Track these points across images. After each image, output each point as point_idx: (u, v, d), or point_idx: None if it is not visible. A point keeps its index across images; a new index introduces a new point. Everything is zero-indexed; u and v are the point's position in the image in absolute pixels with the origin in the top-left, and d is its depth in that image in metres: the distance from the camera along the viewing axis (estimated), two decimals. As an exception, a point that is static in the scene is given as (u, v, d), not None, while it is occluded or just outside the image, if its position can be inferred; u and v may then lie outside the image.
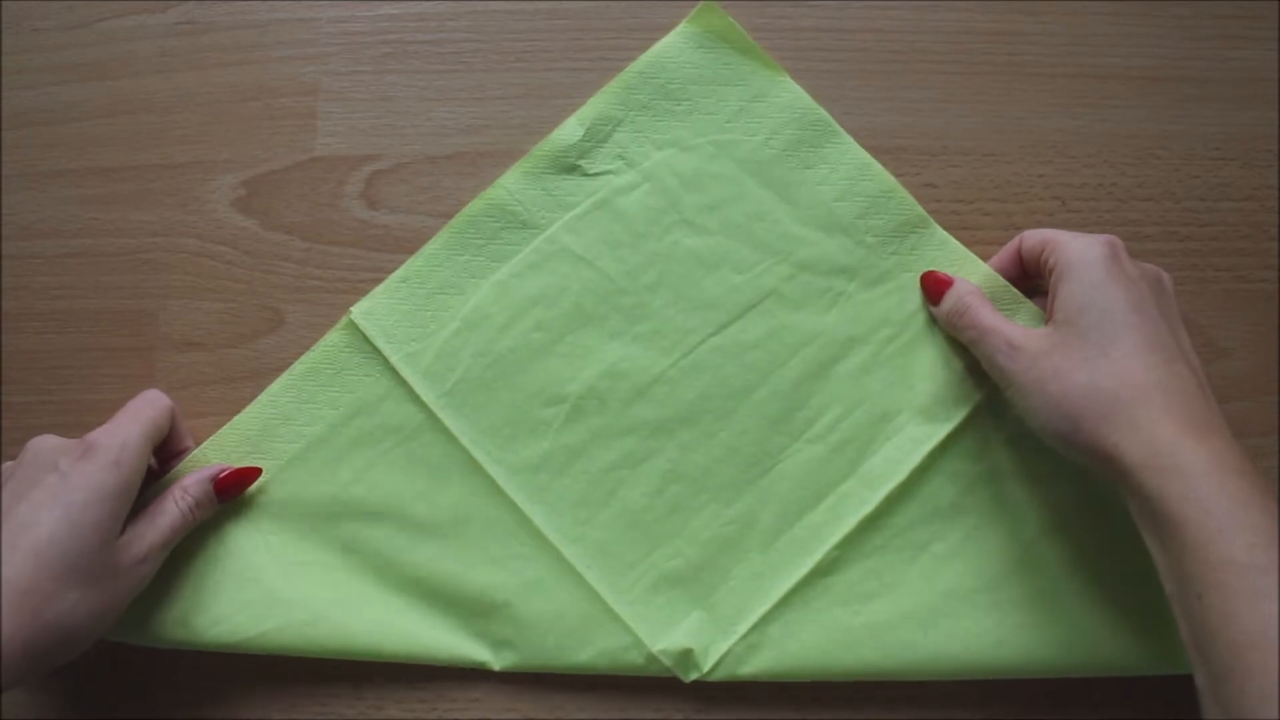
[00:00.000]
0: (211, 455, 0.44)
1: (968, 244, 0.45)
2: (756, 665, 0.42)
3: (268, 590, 0.42)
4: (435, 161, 0.47)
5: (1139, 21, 0.48)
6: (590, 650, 0.42)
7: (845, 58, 0.48)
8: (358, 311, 0.45)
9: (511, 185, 0.46)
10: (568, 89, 0.47)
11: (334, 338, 0.45)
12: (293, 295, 0.46)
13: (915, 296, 0.44)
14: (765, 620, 0.42)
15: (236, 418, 0.44)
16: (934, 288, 0.43)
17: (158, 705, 0.44)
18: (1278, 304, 0.46)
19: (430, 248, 0.45)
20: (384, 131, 0.48)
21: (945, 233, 0.45)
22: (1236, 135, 0.47)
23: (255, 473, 0.43)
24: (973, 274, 0.44)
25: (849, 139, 0.46)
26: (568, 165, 0.46)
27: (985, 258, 0.45)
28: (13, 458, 0.44)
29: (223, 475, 0.42)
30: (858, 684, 0.43)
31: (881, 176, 0.45)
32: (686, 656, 0.42)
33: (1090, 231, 0.46)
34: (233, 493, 0.43)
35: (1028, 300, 0.43)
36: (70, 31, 0.49)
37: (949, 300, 0.42)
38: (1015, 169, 0.47)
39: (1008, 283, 0.43)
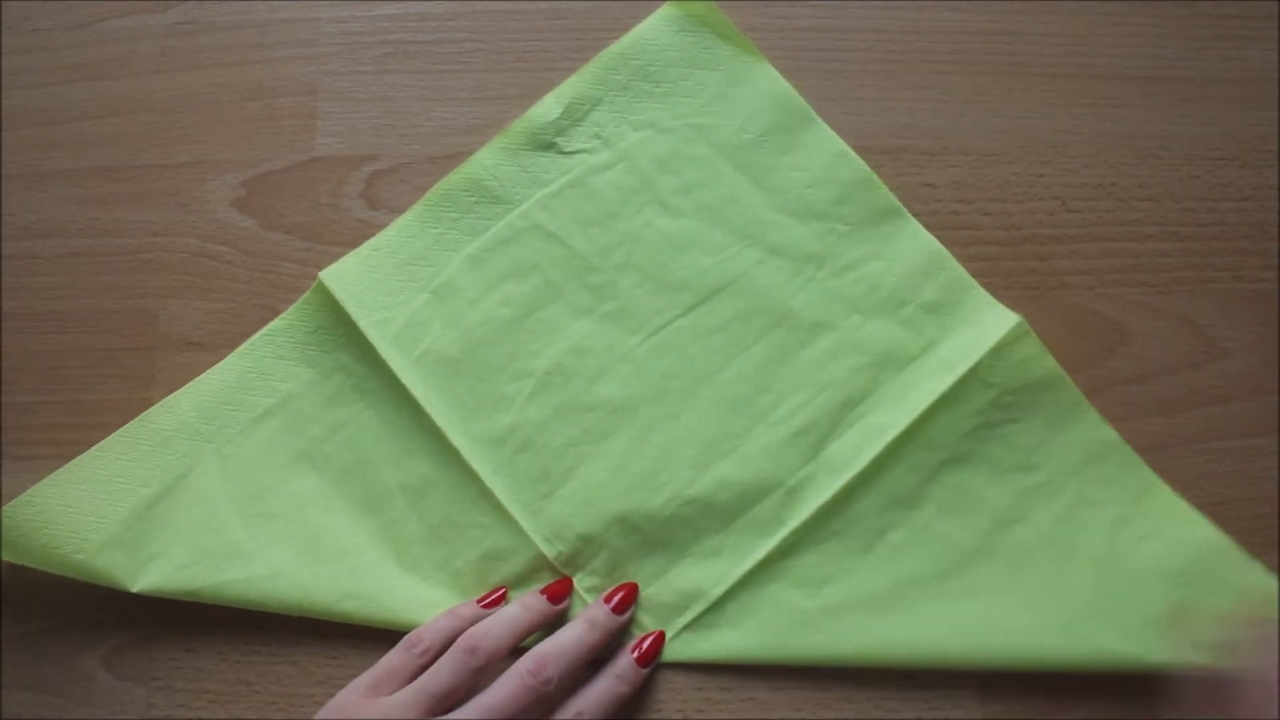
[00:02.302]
0: (185, 404, 0.44)
1: (968, 244, 0.45)
2: (710, 645, 0.43)
3: (229, 541, 0.43)
4: (435, 161, 0.47)
5: (1139, 21, 0.48)
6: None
7: (844, 58, 0.48)
8: (327, 274, 0.45)
9: (487, 161, 0.46)
10: (568, 89, 0.47)
11: (308, 298, 0.45)
12: (293, 295, 0.46)
13: (884, 285, 0.44)
14: (721, 600, 0.43)
15: (213, 369, 0.45)
16: None
17: (157, 706, 0.44)
18: (1278, 304, 0.46)
19: (404, 219, 0.46)
20: (384, 131, 0.48)
21: (917, 223, 0.45)
22: (1236, 135, 0.47)
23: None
24: (942, 270, 0.44)
25: (825, 127, 0.46)
26: (544, 143, 0.46)
27: (985, 258, 0.45)
28: (13, 457, 0.44)
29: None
30: (859, 685, 0.43)
31: (856, 165, 0.45)
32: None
33: (1090, 232, 0.46)
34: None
35: (976, 285, 0.44)
36: (70, 31, 0.49)
37: None
38: (1015, 169, 0.47)
39: (964, 271, 0.44)
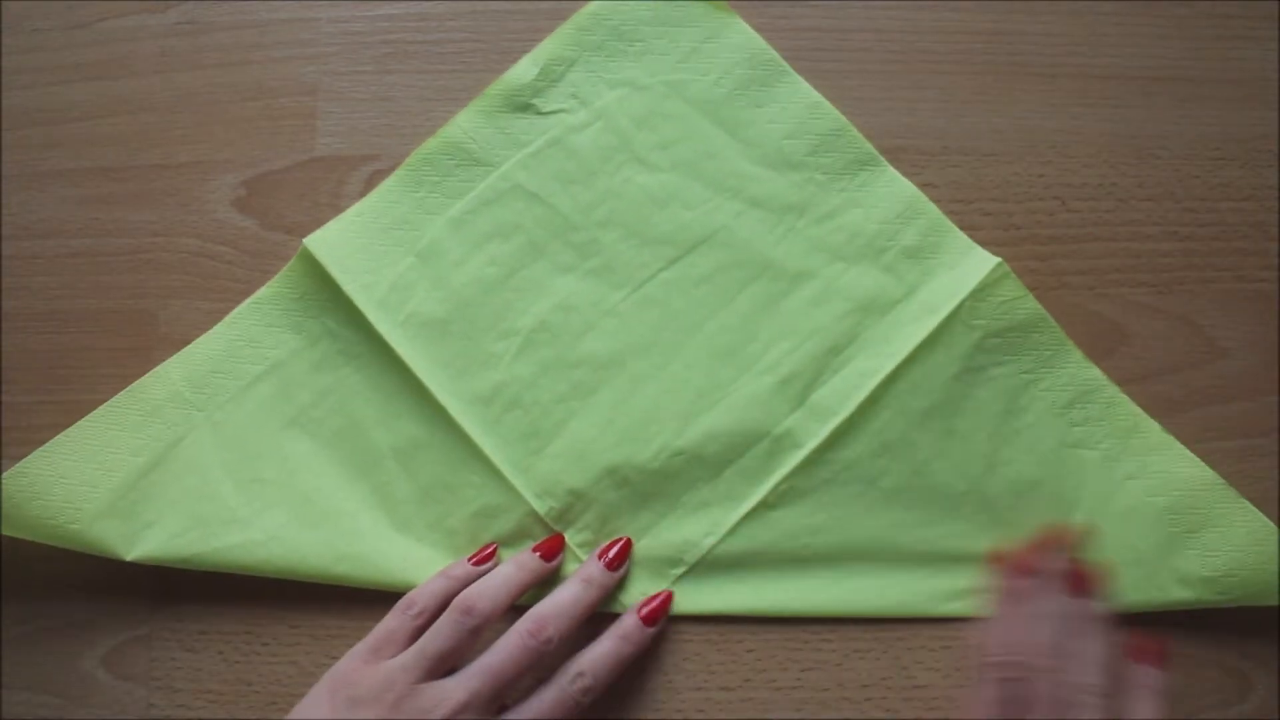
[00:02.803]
0: (175, 374, 0.44)
1: (968, 244, 0.45)
2: (704, 597, 0.43)
3: (224, 507, 0.43)
4: (435, 161, 0.47)
5: (1139, 21, 0.48)
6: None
7: (845, 57, 0.48)
8: (311, 240, 0.45)
9: (466, 124, 0.46)
10: (568, 89, 0.47)
11: (293, 265, 0.45)
12: (293, 295, 0.46)
13: (864, 232, 0.45)
14: (714, 551, 0.43)
15: (201, 338, 0.45)
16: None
17: (157, 706, 0.44)
18: (1278, 304, 0.46)
19: (385, 185, 0.46)
20: (384, 131, 0.48)
21: (895, 171, 0.45)
22: (1236, 135, 0.47)
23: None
24: (920, 214, 0.45)
25: (799, 79, 0.46)
26: (521, 104, 0.46)
27: (985, 258, 0.45)
28: (13, 458, 0.44)
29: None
30: (860, 686, 0.43)
31: (831, 115, 0.46)
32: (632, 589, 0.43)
33: (1090, 232, 0.46)
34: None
35: (955, 229, 0.45)
36: (70, 31, 0.49)
37: None
38: (1015, 169, 0.47)
39: (942, 215, 0.45)
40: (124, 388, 0.44)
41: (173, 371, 0.45)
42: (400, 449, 0.44)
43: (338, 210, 0.47)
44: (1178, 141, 0.47)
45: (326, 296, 0.45)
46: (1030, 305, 0.44)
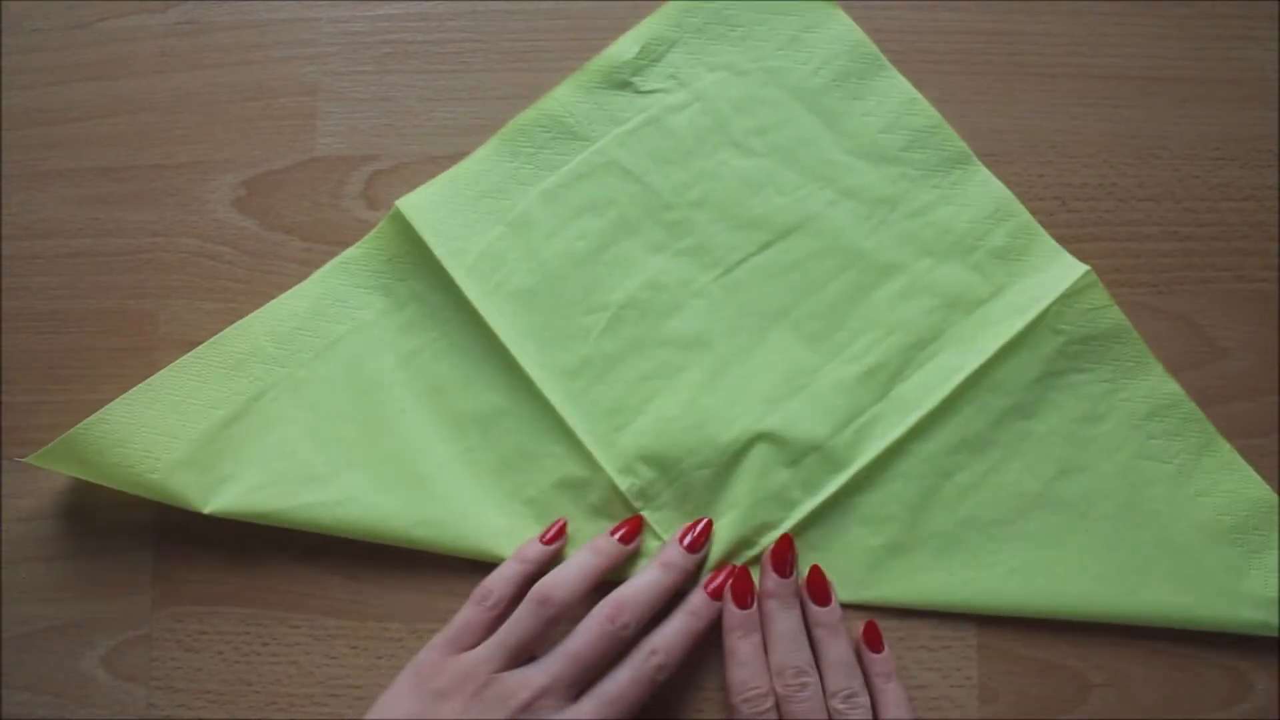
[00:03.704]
0: (258, 328, 0.45)
1: (968, 244, 0.45)
2: None
3: (303, 464, 0.44)
4: (435, 161, 0.47)
5: (1139, 21, 0.48)
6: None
7: (845, 58, 0.47)
8: (404, 203, 0.45)
9: (564, 97, 0.46)
10: (568, 89, 0.47)
11: (383, 227, 0.46)
12: (293, 295, 0.46)
13: (954, 230, 0.45)
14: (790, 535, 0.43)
15: (287, 294, 0.45)
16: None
17: (157, 706, 0.44)
18: (1278, 304, 0.46)
19: (479, 154, 0.46)
20: (384, 131, 0.48)
21: (988, 171, 0.46)
22: (1236, 135, 0.47)
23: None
24: (1011, 215, 0.45)
25: (897, 74, 0.47)
26: (620, 81, 0.46)
27: (985, 258, 0.45)
28: (13, 458, 0.44)
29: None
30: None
31: (928, 112, 0.46)
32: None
33: (1090, 232, 0.46)
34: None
35: (1043, 232, 0.45)
36: (70, 31, 0.49)
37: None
38: (1015, 169, 0.47)
39: (1031, 218, 0.45)
40: (124, 388, 0.45)
41: (256, 326, 0.45)
42: (483, 416, 0.44)
43: (338, 210, 0.47)
44: (1178, 141, 0.47)
45: (415, 260, 0.45)
46: (1115, 315, 0.44)
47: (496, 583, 0.41)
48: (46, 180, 0.48)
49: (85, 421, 0.43)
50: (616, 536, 0.43)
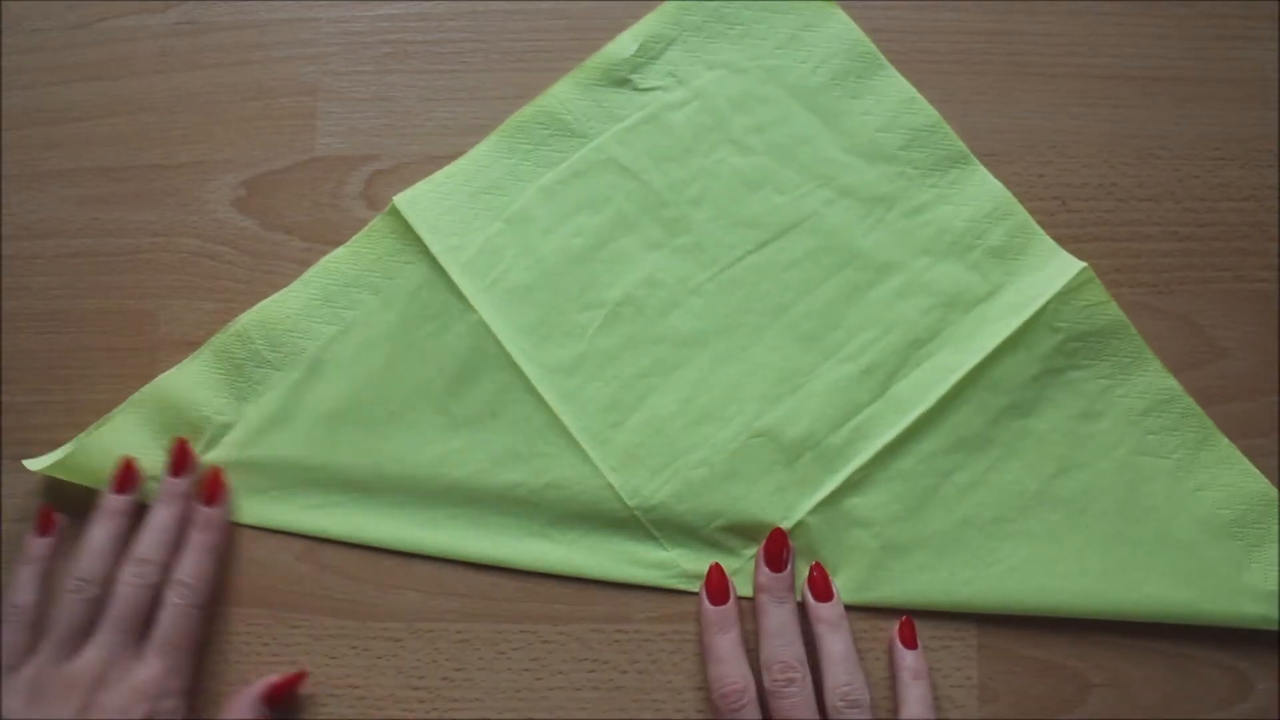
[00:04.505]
0: (253, 331, 0.45)
1: (968, 244, 0.45)
2: None
3: (299, 468, 0.44)
4: (435, 161, 0.47)
5: (1139, 21, 0.48)
6: (609, 552, 0.44)
7: (845, 58, 0.47)
8: (400, 199, 0.45)
9: (562, 94, 0.46)
10: (568, 89, 0.47)
11: (376, 223, 0.45)
12: (293, 295, 0.46)
13: (952, 229, 0.45)
14: (788, 535, 0.43)
15: (278, 294, 0.45)
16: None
17: (158, 705, 0.44)
18: (1278, 304, 0.46)
19: (476, 150, 0.46)
20: (384, 131, 0.48)
21: (985, 170, 0.46)
22: (1236, 135, 0.47)
23: (300, 679, 0.43)
24: (1009, 214, 0.45)
25: (895, 73, 0.46)
26: (619, 79, 0.46)
27: (985, 258, 0.45)
28: (13, 457, 0.44)
29: (272, 690, 0.42)
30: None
31: (926, 111, 0.46)
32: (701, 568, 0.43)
33: (1090, 231, 0.46)
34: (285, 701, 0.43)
35: (1040, 231, 0.45)
36: (70, 31, 0.49)
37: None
38: (1015, 169, 0.47)
39: (1029, 217, 0.45)
40: (124, 387, 0.45)
41: (251, 330, 0.45)
42: (475, 415, 0.44)
43: (338, 210, 0.47)
44: (1178, 141, 0.47)
45: (407, 257, 0.45)
46: (1112, 311, 0.44)
47: (18, 595, 0.41)
48: (46, 180, 0.48)
49: (86, 431, 0.43)
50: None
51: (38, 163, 0.48)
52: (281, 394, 0.45)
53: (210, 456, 0.44)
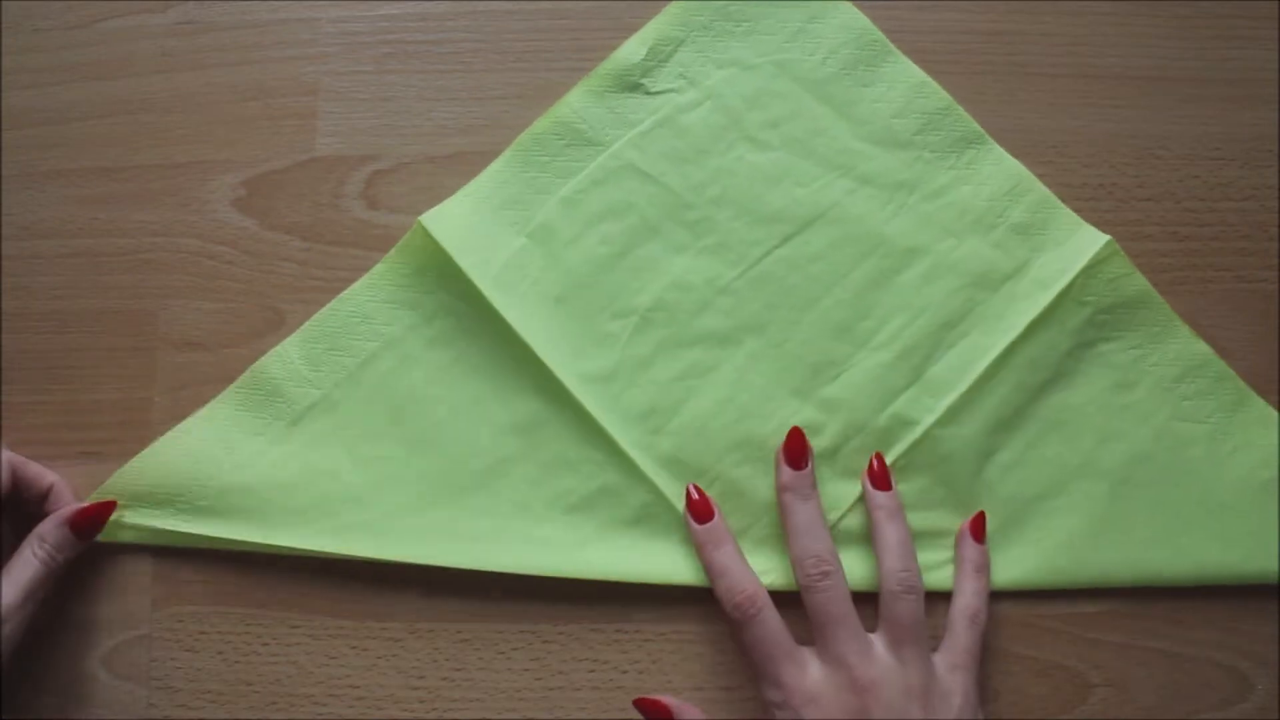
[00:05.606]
0: (293, 352, 0.45)
1: (968, 244, 0.45)
2: None
3: (344, 485, 0.44)
4: (435, 161, 0.47)
5: (1139, 21, 0.48)
6: (662, 558, 0.43)
7: (845, 58, 0.47)
8: (427, 218, 0.45)
9: (576, 103, 0.46)
10: (568, 89, 0.47)
11: (407, 240, 0.45)
12: (293, 295, 0.46)
13: (973, 209, 0.45)
14: (835, 526, 0.43)
15: (318, 314, 0.45)
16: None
17: (157, 706, 0.44)
18: (1278, 304, 0.46)
19: (494, 166, 0.46)
20: (384, 131, 0.48)
21: (1001, 150, 0.46)
22: (1236, 135, 0.47)
23: (110, 507, 0.43)
24: (1028, 191, 0.45)
25: (905, 59, 0.47)
26: (630, 84, 0.46)
27: (985, 258, 0.45)
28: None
29: (76, 515, 0.42)
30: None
31: (938, 94, 0.46)
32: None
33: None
34: (91, 532, 0.42)
35: (1061, 205, 0.45)
36: (70, 31, 0.49)
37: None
38: (1015, 169, 0.47)
39: (1049, 192, 0.45)
40: (124, 387, 0.45)
41: (290, 350, 0.45)
42: (521, 426, 0.44)
43: (338, 210, 0.47)
44: (1178, 141, 0.47)
45: (441, 273, 0.45)
46: (1139, 282, 0.44)
47: None
48: (46, 180, 0.48)
49: (134, 459, 0.44)
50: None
51: (38, 163, 0.48)
52: (323, 412, 0.45)
53: (244, 477, 0.44)
